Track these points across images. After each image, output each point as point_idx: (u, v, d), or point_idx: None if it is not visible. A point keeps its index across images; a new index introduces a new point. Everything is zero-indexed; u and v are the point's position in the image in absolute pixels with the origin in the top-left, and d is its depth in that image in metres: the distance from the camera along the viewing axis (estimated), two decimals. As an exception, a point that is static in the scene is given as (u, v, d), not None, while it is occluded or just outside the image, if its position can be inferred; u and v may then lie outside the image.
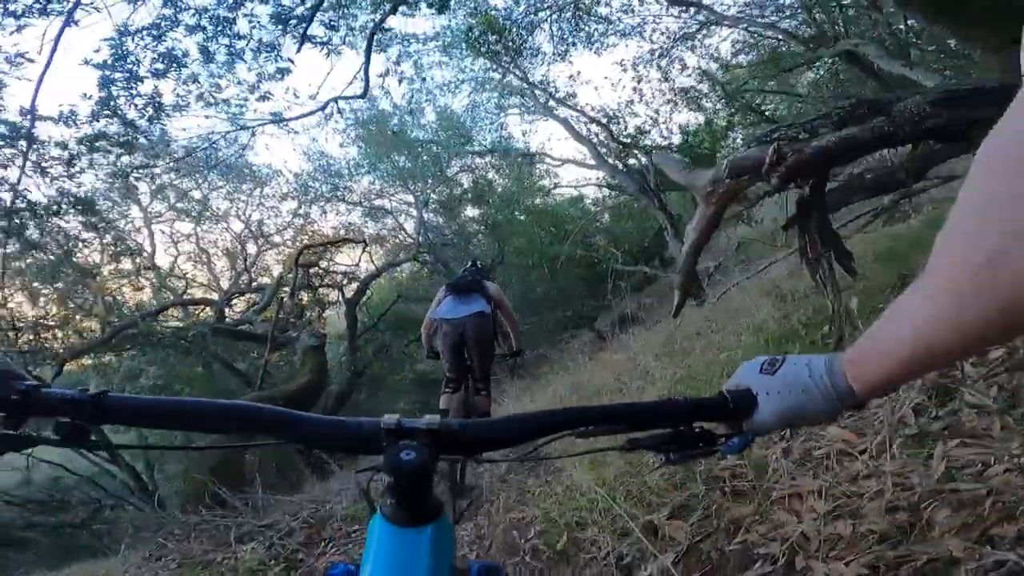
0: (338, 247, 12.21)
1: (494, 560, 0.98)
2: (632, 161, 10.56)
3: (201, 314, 12.88)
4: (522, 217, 15.21)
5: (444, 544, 0.56)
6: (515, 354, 4.00)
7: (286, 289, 10.33)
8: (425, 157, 15.25)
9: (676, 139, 11.33)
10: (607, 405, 0.68)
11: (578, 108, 10.97)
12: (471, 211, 17.08)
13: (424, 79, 11.30)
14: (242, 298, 12.90)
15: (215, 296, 13.28)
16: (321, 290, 11.74)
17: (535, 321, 13.19)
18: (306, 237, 13.33)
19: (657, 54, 11.03)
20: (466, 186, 16.61)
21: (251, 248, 16.18)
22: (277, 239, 15.91)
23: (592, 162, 11.18)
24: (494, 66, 11.04)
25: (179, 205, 15.17)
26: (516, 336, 3.90)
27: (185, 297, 12.55)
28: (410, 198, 16.58)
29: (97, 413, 0.56)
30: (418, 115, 15.29)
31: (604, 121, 10.59)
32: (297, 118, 9.08)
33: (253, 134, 9.08)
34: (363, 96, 8.67)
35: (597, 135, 10.87)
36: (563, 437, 0.61)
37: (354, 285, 11.81)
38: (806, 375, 0.58)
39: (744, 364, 0.66)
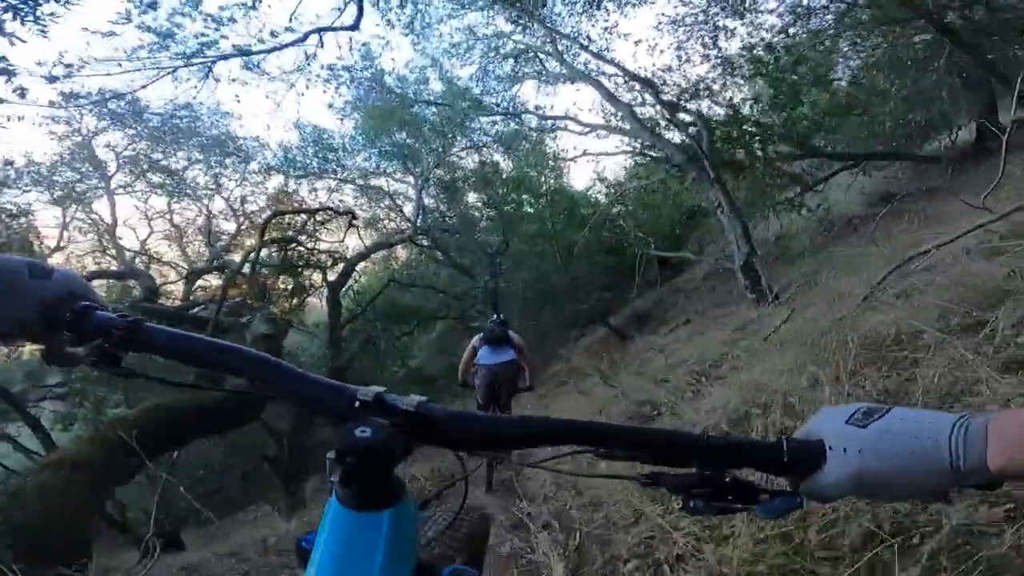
0: (320, 221, 10.52)
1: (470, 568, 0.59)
2: (672, 135, 8.96)
3: (172, 293, 11.33)
4: (533, 201, 13.78)
5: (404, 533, 0.51)
6: (528, 388, 4.81)
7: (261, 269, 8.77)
8: (427, 129, 13.70)
9: (718, 112, 9.75)
10: (629, 426, 0.55)
11: (616, 63, 9.33)
12: (476, 196, 15.55)
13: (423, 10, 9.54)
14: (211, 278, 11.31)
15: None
16: (302, 272, 10.09)
17: (547, 313, 11.86)
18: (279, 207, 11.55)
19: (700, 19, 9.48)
20: (472, 167, 15.08)
21: (230, 226, 14.64)
22: (259, 219, 14.27)
23: (627, 127, 9.54)
24: (513, 14, 9.42)
25: (152, 178, 13.59)
26: (531, 376, 4.78)
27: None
28: (409, 179, 15.10)
29: (127, 340, 0.57)
30: (420, 81, 13.80)
31: (647, 77, 8.96)
32: (269, 51, 7.39)
33: (210, 72, 7.31)
34: (355, 27, 7.06)
35: (640, 95, 9.27)
36: (575, 454, 0.55)
37: (340, 267, 10.20)
38: (913, 434, 0.45)
39: (825, 409, 0.52)
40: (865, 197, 10.85)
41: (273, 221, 9.33)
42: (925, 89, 9.62)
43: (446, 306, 14.34)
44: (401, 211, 15.53)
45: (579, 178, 43.04)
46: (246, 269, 7.75)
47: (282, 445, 8.57)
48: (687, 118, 8.98)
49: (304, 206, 11.92)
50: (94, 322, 0.57)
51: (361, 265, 13.90)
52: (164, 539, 6.66)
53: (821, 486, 0.49)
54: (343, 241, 11.05)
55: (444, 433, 0.53)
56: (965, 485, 0.45)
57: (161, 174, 13.15)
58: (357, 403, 0.53)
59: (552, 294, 11.34)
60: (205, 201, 14.33)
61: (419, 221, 13.72)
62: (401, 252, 16.41)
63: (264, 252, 10.10)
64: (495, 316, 4.84)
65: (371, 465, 0.48)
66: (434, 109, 13.65)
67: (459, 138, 14.22)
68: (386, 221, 15.68)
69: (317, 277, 10.31)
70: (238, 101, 22.59)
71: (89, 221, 13.25)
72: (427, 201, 14.78)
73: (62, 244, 13.10)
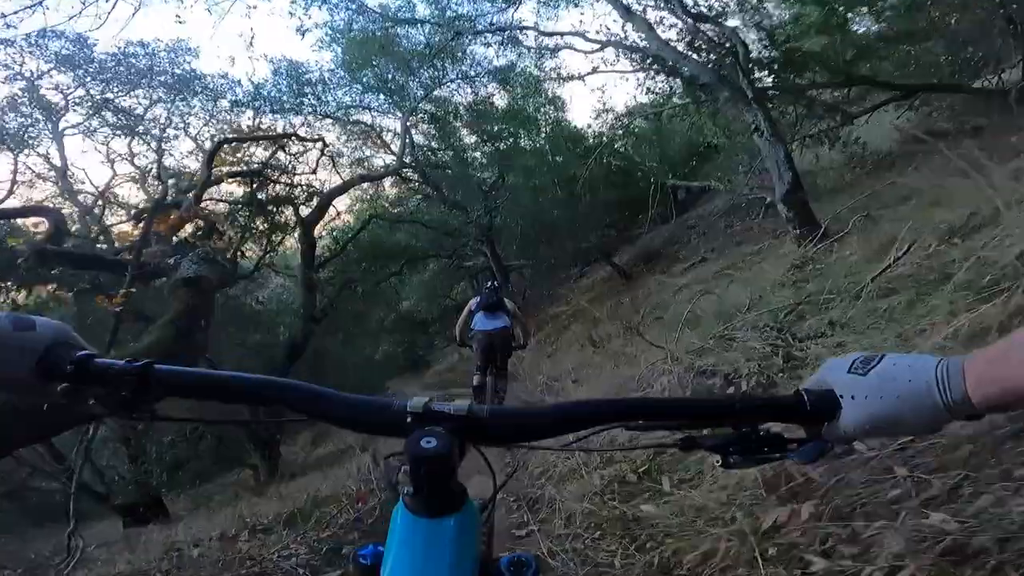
0: (293, 154, 9.20)
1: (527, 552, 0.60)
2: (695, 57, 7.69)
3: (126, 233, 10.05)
4: (532, 134, 12.58)
5: (469, 535, 0.53)
6: (522, 347, 5.16)
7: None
8: (414, 60, 12.20)
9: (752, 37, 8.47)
10: (660, 398, 0.69)
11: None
12: (469, 131, 14.22)
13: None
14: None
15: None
16: (273, 209, 8.85)
17: (545, 250, 11.05)
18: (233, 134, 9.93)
19: None
20: (464, 100, 13.70)
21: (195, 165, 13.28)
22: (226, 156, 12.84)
23: (644, 45, 8.19)
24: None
25: (108, 117, 12.13)
26: (526, 336, 5.13)
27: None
28: (396, 113, 13.63)
29: (144, 385, 0.55)
30: (404, 8, 12.17)
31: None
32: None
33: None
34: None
35: (658, 11, 7.93)
36: (608, 430, 0.58)
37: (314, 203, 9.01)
38: (906, 378, 0.51)
39: (830, 360, 0.57)
40: (899, 134, 9.76)
41: (230, 152, 8.06)
42: (970, 28, 8.53)
43: (438, 245, 13.36)
44: (388, 147, 14.18)
45: (582, 111, 41.18)
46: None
47: (255, 409, 7.79)
48: (711, 36, 7.73)
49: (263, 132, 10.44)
50: (98, 369, 0.56)
51: (345, 203, 12.74)
52: (145, 508, 6.01)
53: (840, 430, 0.53)
54: (315, 172, 9.78)
55: (493, 432, 0.55)
56: (952, 420, 0.49)
57: (117, 115, 11.76)
58: (408, 415, 0.54)
59: (552, 230, 10.33)
60: (167, 141, 12.96)
61: (407, 157, 12.48)
62: (389, 189, 15.21)
63: (236, 190, 8.94)
64: (489, 283, 5.14)
65: (439, 473, 0.50)
66: (421, 38, 12.12)
67: (449, 68, 12.74)
68: (372, 158, 14.34)
69: (290, 214, 9.10)
70: (181, 22, 19.62)
71: (48, 166, 11.96)
72: (417, 138, 13.53)
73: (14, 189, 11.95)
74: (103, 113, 11.53)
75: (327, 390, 0.57)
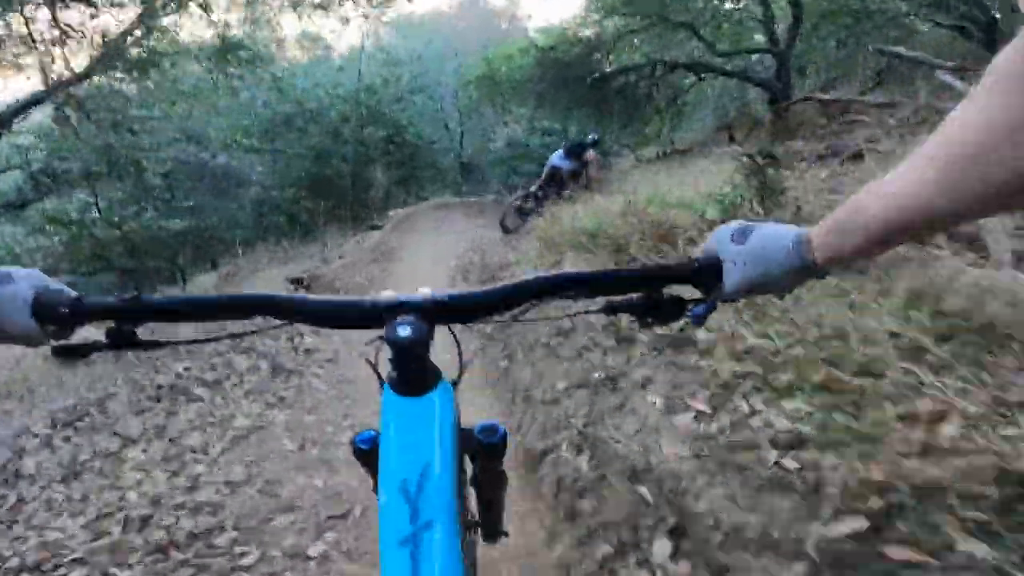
0: None
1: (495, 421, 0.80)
2: None
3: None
4: None
5: (447, 408, 0.61)
6: (586, 187, 6.79)
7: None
8: None
9: None
10: (583, 271, 0.69)
11: None
12: None
13: None
14: None
15: None
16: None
17: None
18: None
19: None
20: None
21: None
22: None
23: None
24: None
25: None
26: (590, 183, 6.94)
27: None
28: None
29: (135, 315, 0.60)
30: None
31: None
32: None
33: None
34: None
35: None
36: (548, 303, 0.67)
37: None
38: (772, 246, 0.59)
39: (717, 230, 0.66)
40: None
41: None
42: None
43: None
44: None
45: None
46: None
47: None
48: None
49: None
50: (92, 307, 0.59)
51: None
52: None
53: (725, 291, 0.63)
54: None
55: (452, 313, 0.63)
56: (806, 279, 0.58)
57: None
58: (382, 308, 0.60)
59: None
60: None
61: None
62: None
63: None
64: (580, 140, 7.27)
65: (416, 354, 0.58)
66: None
67: None
68: None
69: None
70: None
71: None
72: None
73: None
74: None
75: (308, 296, 0.62)
